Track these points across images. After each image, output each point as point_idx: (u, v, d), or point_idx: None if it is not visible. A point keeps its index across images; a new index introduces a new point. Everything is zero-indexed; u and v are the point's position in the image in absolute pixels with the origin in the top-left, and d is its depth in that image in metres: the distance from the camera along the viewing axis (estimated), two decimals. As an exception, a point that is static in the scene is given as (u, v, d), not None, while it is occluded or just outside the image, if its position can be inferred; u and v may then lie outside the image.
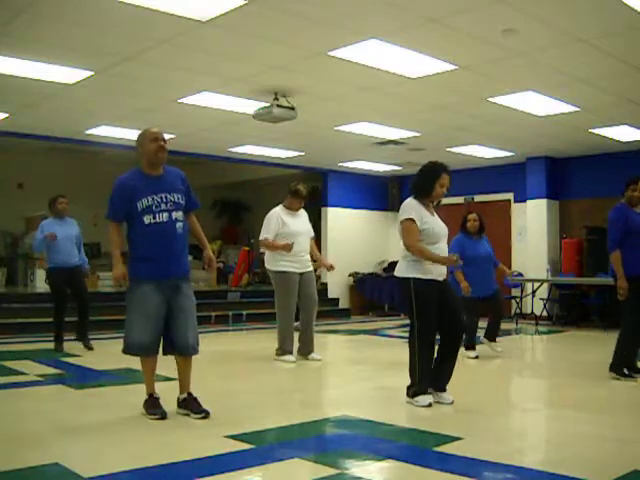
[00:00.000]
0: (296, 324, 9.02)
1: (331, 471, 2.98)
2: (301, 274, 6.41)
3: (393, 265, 14.89)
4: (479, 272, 6.52)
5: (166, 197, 3.95)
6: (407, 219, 4.40)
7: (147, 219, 3.89)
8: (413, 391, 4.45)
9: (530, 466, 3.12)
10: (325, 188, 12.87)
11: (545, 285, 10.50)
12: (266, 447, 3.44)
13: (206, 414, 3.98)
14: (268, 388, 5.19)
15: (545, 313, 10.51)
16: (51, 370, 5.79)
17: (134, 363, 6.18)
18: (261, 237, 6.39)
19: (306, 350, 6.53)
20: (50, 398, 4.70)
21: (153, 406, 4.03)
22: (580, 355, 7.41)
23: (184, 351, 4.03)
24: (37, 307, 9.03)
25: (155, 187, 3.96)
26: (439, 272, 4.47)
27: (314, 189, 13.66)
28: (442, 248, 4.50)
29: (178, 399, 4.11)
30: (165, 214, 3.91)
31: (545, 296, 10.49)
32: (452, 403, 4.42)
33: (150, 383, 4.11)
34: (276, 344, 6.49)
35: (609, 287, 9.43)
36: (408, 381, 4.55)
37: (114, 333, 8.37)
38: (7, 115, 8.24)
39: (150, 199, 3.90)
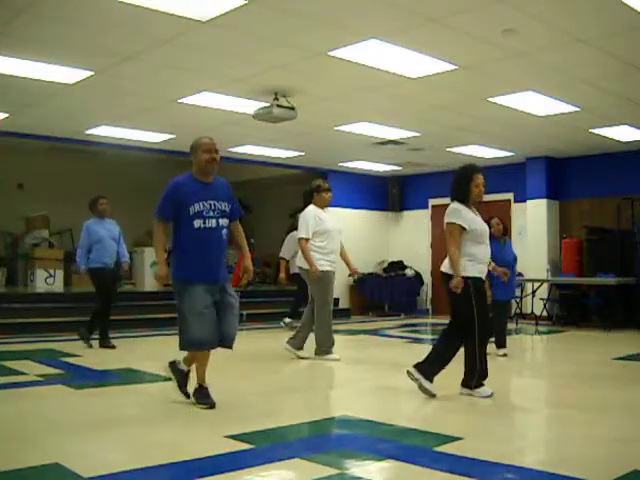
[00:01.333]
0: (289, 321, 9.09)
1: (331, 471, 2.98)
2: (332, 272, 6.52)
3: (393, 265, 14.78)
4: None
5: (215, 204, 4.16)
6: (450, 223, 4.61)
7: (197, 223, 4.08)
8: (474, 383, 4.63)
9: (530, 466, 3.12)
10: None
11: (545, 285, 10.50)
12: (266, 447, 3.43)
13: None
14: (268, 388, 5.18)
15: (545, 313, 10.51)
16: (51, 370, 5.79)
17: (134, 363, 6.22)
18: (301, 235, 6.39)
19: (301, 344, 6.59)
20: (50, 398, 4.70)
21: (203, 396, 4.22)
22: (580, 355, 7.41)
23: (227, 342, 4.21)
24: (37, 307, 9.04)
25: (206, 194, 4.15)
26: (484, 272, 4.73)
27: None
28: (487, 247, 4.74)
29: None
30: (214, 220, 4.13)
31: (545, 296, 10.48)
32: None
33: (201, 374, 4.27)
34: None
35: (609, 287, 9.51)
36: (408, 381, 4.61)
37: (115, 333, 8.39)
38: (7, 115, 8.24)
39: (201, 205, 4.10)
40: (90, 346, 7.17)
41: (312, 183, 6.64)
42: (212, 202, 4.14)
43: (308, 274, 6.43)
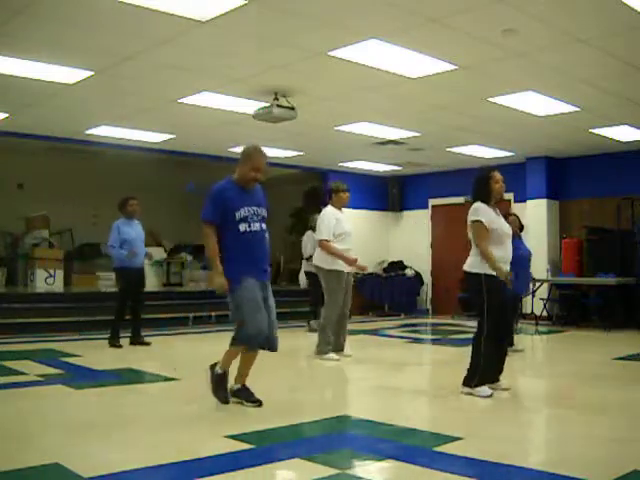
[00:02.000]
0: (313, 321, 9.17)
1: (331, 471, 2.98)
2: (346, 274, 6.59)
3: (393, 265, 14.73)
4: (521, 270, 6.70)
5: (257, 210, 4.34)
6: (476, 221, 4.69)
7: (243, 227, 4.24)
8: (475, 382, 4.63)
9: (530, 466, 3.12)
10: (325, 188, 12.86)
11: (545, 285, 10.50)
12: (266, 447, 3.43)
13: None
14: (268, 388, 5.17)
15: (545, 313, 10.50)
16: (51, 370, 5.79)
17: (134, 363, 6.22)
18: (322, 237, 6.46)
19: (339, 346, 6.64)
20: (50, 398, 4.70)
21: (250, 394, 4.31)
22: (580, 355, 7.41)
23: (273, 347, 4.39)
24: (37, 307, 9.02)
25: (249, 200, 4.33)
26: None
27: (314, 189, 13.66)
28: (508, 247, 4.78)
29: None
30: (257, 224, 4.32)
31: (545, 296, 10.48)
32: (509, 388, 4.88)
33: (246, 375, 4.39)
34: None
35: (609, 287, 9.51)
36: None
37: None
38: (7, 115, 8.24)
39: (246, 210, 4.27)
40: (121, 346, 7.26)
41: (329, 184, 6.84)
42: (255, 208, 4.32)
43: (325, 273, 6.49)
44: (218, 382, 4.35)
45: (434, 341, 8.98)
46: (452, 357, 7.25)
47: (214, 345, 8.27)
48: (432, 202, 13.01)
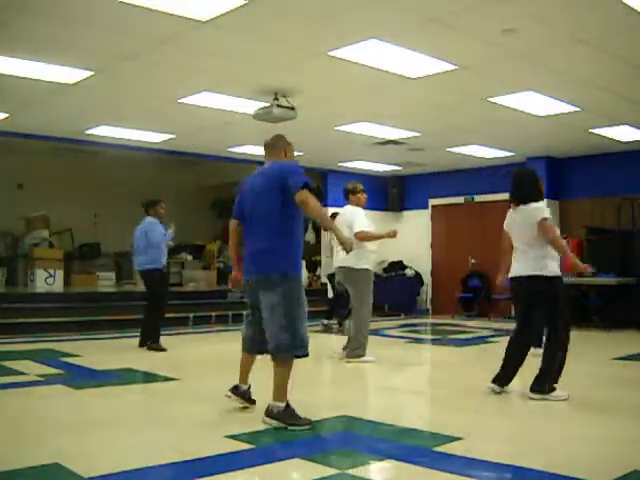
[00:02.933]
0: (326, 322, 9.11)
1: (331, 471, 2.98)
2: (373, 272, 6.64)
3: (393, 265, 14.68)
4: None
5: None
6: (546, 218, 4.74)
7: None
8: (548, 387, 4.53)
9: (530, 466, 3.11)
10: (325, 188, 12.87)
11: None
12: (266, 447, 3.44)
13: (253, 402, 4.17)
14: (268, 388, 5.18)
15: (545, 313, 10.49)
16: (51, 370, 5.79)
17: (134, 363, 6.22)
18: (360, 229, 6.37)
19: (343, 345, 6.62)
20: (50, 398, 4.70)
21: (297, 416, 3.82)
22: (580, 355, 7.39)
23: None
24: (37, 307, 9.04)
25: None
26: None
27: (315, 189, 13.66)
28: None
29: (239, 389, 4.17)
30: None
31: (545, 296, 10.47)
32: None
33: (287, 389, 3.91)
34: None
35: (609, 287, 9.51)
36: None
37: (114, 333, 8.40)
38: (7, 115, 8.23)
39: None
40: (164, 349, 7.13)
41: (347, 185, 6.72)
42: None
43: (354, 273, 6.40)
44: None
45: (434, 341, 8.98)
46: (452, 357, 7.25)
47: (214, 345, 8.31)
48: (432, 202, 13.01)
